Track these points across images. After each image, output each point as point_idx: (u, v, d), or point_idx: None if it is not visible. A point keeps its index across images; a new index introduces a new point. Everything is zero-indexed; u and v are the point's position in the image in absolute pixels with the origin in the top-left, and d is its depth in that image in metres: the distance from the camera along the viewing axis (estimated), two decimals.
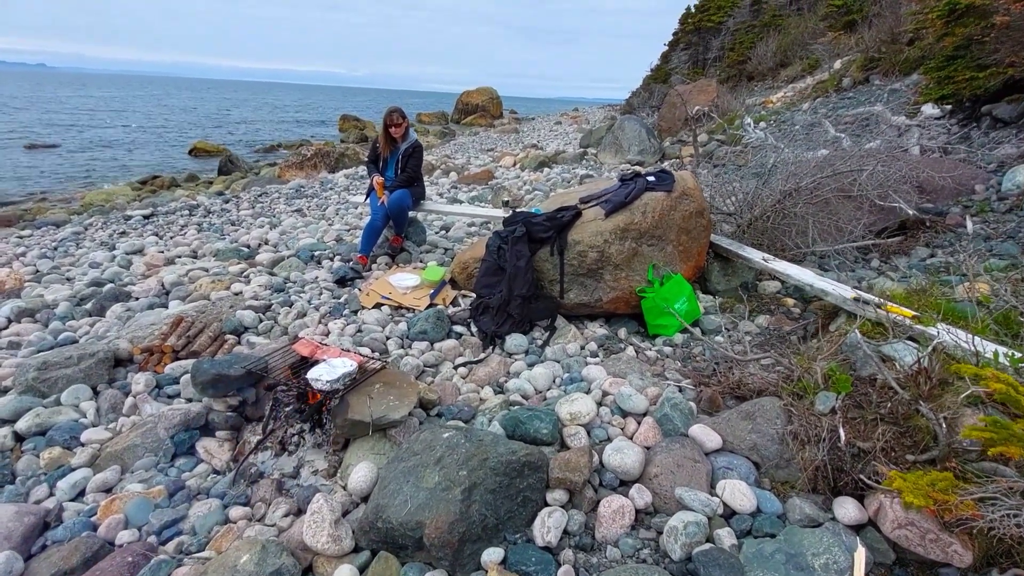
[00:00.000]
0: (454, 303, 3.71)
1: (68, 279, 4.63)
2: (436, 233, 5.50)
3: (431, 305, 3.61)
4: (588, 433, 2.35)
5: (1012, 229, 4.30)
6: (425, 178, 6.31)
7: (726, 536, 1.84)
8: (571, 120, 28.56)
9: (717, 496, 1.99)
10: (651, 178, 3.68)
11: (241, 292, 3.84)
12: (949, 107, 6.97)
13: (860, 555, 1.69)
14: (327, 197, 7.78)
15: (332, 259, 4.62)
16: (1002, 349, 2.21)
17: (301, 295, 3.83)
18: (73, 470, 2.28)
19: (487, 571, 1.74)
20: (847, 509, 1.89)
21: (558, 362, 3.02)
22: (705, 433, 2.25)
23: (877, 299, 2.90)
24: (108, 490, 2.21)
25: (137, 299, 3.89)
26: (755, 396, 2.47)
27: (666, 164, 9.54)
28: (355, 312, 3.58)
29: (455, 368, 3.01)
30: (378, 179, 4.65)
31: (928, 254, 4.31)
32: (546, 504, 1.98)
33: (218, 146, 18.27)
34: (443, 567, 1.78)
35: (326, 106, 55.85)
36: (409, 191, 4.69)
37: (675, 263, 3.53)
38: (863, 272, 4.15)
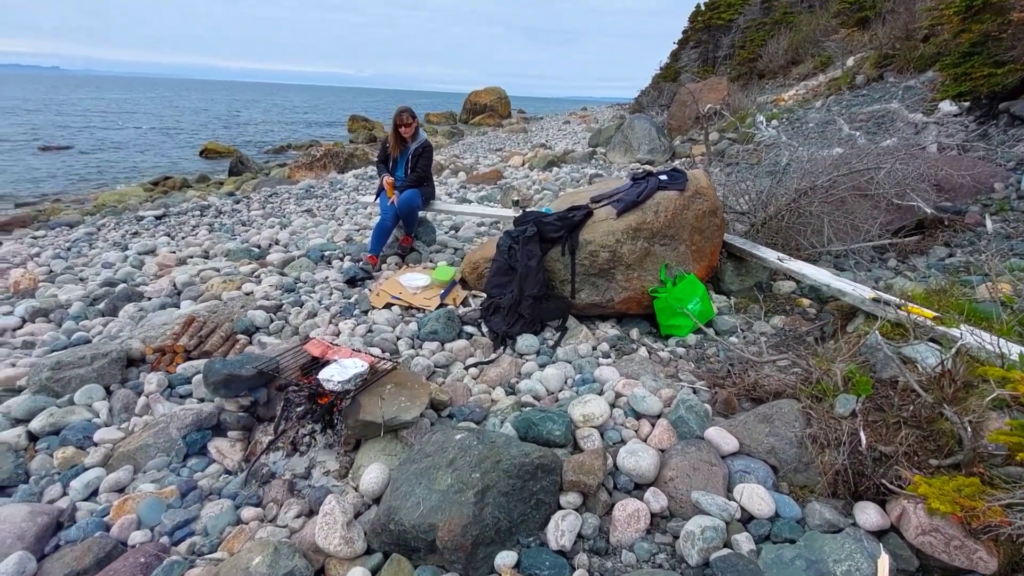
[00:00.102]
0: (464, 303, 3.69)
1: (81, 279, 4.67)
2: (446, 233, 5.49)
3: (441, 305, 3.59)
4: (601, 435, 2.32)
5: None
6: (434, 178, 6.30)
7: (744, 541, 1.80)
8: (580, 119, 28.44)
9: (735, 500, 1.95)
10: (663, 177, 3.64)
11: (252, 292, 3.85)
12: (967, 104, 6.86)
13: (884, 562, 1.65)
14: (337, 197, 7.81)
15: (342, 259, 4.62)
16: None
17: (312, 295, 3.83)
18: (86, 469, 2.29)
19: (500, 575, 1.72)
20: (868, 514, 1.85)
21: (570, 363, 2.99)
22: (721, 436, 2.21)
23: (897, 300, 2.84)
24: (121, 490, 2.22)
25: (149, 299, 3.91)
26: (772, 398, 2.43)
27: (677, 163, 9.47)
28: (365, 312, 3.57)
29: (466, 369, 2.99)
30: (388, 179, 4.64)
31: (947, 253, 4.23)
32: (560, 507, 1.95)
33: (229, 147, 18.35)
34: (456, 570, 1.76)
35: (335, 107, 56.08)
36: (419, 191, 4.69)
37: (688, 263, 3.49)
38: (880, 272, 4.07)
